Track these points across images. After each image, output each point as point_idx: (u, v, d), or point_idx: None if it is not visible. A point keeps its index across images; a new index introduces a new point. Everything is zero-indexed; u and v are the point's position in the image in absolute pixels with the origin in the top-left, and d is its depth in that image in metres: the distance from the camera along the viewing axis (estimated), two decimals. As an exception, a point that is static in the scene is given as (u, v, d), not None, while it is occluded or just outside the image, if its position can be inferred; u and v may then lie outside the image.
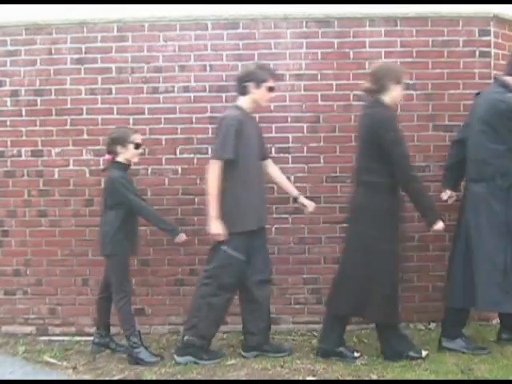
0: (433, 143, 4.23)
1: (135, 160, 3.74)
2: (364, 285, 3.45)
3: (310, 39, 4.23)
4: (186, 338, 3.60)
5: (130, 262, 3.75)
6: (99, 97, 4.26)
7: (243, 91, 3.62)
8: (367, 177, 3.47)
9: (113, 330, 3.88)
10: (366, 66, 4.17)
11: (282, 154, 4.18)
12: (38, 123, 4.27)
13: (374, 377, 3.33)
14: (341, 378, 3.33)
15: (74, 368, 3.61)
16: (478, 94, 3.79)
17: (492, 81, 3.87)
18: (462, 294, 3.56)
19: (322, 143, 4.24)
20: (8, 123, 4.29)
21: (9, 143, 4.29)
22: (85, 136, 4.27)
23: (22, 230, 4.29)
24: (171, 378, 3.40)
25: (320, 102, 4.24)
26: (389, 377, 3.32)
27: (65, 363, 3.69)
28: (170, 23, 4.23)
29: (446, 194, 3.90)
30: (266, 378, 3.39)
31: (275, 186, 4.06)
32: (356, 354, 3.61)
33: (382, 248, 3.40)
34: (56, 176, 4.28)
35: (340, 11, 4.22)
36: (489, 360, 3.52)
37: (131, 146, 3.66)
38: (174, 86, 4.25)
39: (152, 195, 4.23)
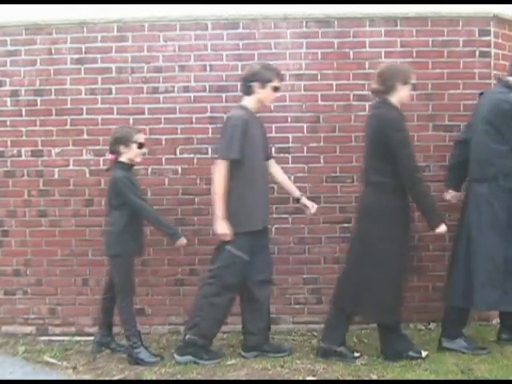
0: (433, 143, 4.22)
1: (138, 160, 3.71)
2: (366, 284, 3.45)
3: (310, 39, 4.23)
4: (187, 336, 3.60)
5: (134, 262, 3.74)
6: (99, 97, 4.26)
7: (248, 91, 3.62)
8: (375, 177, 3.48)
9: (113, 329, 3.87)
10: (366, 66, 4.19)
11: (281, 154, 4.18)
12: (37, 123, 4.27)
13: (374, 377, 3.33)
14: (341, 378, 3.33)
15: (74, 368, 3.60)
16: (481, 94, 3.79)
17: (495, 81, 3.88)
18: (462, 294, 3.56)
19: (322, 143, 4.24)
20: (8, 123, 4.29)
21: (9, 143, 4.29)
22: (85, 136, 4.27)
23: (21, 230, 4.29)
24: (171, 378, 3.40)
25: (320, 102, 4.24)
26: (389, 377, 3.32)
27: (65, 363, 3.69)
28: (170, 23, 4.23)
29: (449, 194, 3.91)
30: (266, 377, 3.39)
31: (275, 186, 4.06)
32: (356, 354, 3.61)
33: (384, 248, 3.40)
34: (56, 176, 4.28)
35: (340, 11, 4.22)
36: (489, 360, 3.52)
37: (134, 146, 3.64)
38: (173, 86, 4.25)
39: (152, 195, 4.23)
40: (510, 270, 3.48)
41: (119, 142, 3.63)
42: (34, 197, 4.29)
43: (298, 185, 4.08)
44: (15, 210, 4.29)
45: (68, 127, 4.27)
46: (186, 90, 4.25)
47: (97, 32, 4.24)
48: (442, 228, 3.45)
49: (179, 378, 3.40)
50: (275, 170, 3.87)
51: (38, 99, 4.26)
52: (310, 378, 3.36)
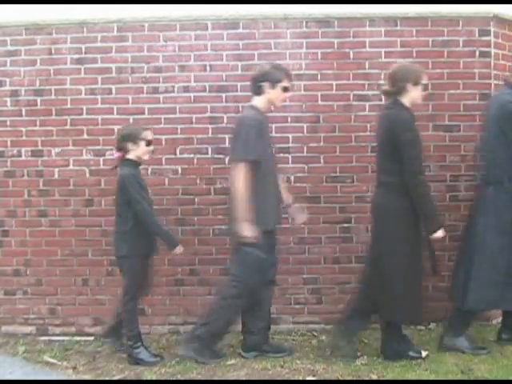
0: (433, 143, 4.22)
1: (146, 157, 3.67)
2: (378, 283, 3.46)
3: (310, 39, 4.22)
4: (197, 332, 3.58)
5: (146, 263, 3.69)
6: (99, 97, 4.25)
7: (258, 91, 3.60)
8: (384, 177, 3.48)
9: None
10: (366, 66, 4.19)
11: (282, 154, 4.18)
12: (38, 123, 4.27)
13: (374, 377, 3.33)
14: (341, 378, 3.33)
15: (74, 368, 3.61)
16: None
17: (502, 82, 3.89)
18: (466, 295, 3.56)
19: (322, 143, 4.24)
20: (8, 123, 4.28)
21: (9, 143, 4.29)
22: (85, 136, 4.26)
23: (22, 230, 4.29)
24: (171, 378, 3.40)
25: (320, 102, 4.24)
26: (389, 377, 3.32)
27: (65, 363, 3.69)
28: (170, 23, 4.23)
29: None
30: (266, 377, 3.39)
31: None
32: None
33: (394, 248, 3.40)
34: (56, 176, 4.28)
35: (340, 11, 4.21)
36: (489, 360, 3.52)
37: (143, 143, 3.61)
38: (173, 86, 4.25)
39: (152, 195, 4.19)
40: (511, 271, 3.48)
41: (127, 139, 3.60)
42: (33, 197, 4.29)
43: (298, 185, 4.09)
44: (15, 210, 4.29)
45: (68, 127, 4.26)
46: (186, 89, 4.24)
47: (97, 32, 4.24)
48: (439, 234, 3.44)
49: (179, 377, 3.40)
50: None
51: (38, 99, 4.26)
52: (310, 378, 3.36)
